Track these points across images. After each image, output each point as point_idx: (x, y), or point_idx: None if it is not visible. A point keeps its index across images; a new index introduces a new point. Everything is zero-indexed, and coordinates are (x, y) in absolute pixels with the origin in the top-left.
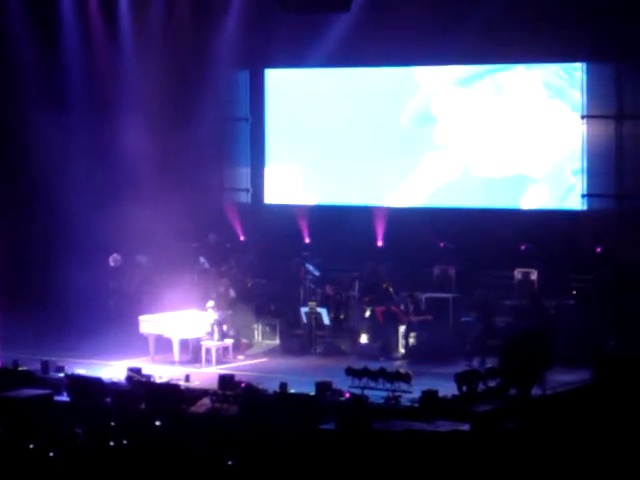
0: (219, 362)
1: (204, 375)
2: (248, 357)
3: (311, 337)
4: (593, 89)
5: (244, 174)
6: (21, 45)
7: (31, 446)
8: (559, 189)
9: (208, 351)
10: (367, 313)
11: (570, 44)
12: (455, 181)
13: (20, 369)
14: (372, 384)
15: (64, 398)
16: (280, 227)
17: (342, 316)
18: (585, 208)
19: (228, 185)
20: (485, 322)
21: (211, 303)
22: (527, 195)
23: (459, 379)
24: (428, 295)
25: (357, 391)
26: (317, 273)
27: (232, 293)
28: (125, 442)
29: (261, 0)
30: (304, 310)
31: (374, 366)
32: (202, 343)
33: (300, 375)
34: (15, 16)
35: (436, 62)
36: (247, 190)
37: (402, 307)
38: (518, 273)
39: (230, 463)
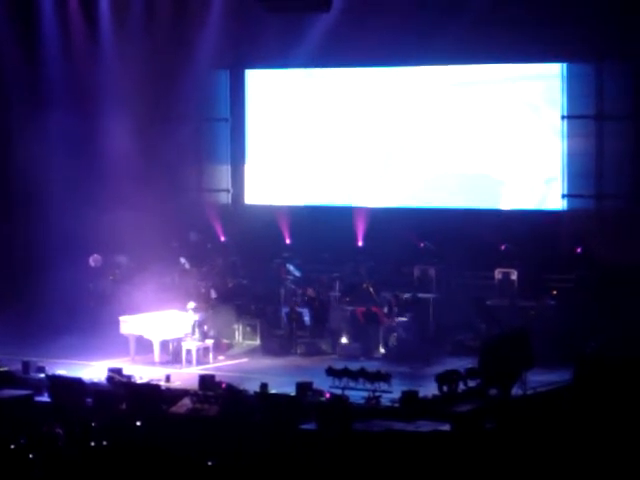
0: (200, 362)
1: (185, 375)
2: (229, 357)
3: (292, 337)
4: (573, 89)
5: (224, 174)
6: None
7: (12, 447)
8: (539, 189)
9: (189, 352)
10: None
11: (550, 44)
12: (435, 181)
13: (0, 369)
14: (352, 384)
15: (45, 398)
16: (261, 228)
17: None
18: (565, 208)
19: (208, 185)
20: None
21: (192, 304)
22: (507, 195)
23: (439, 379)
24: (408, 295)
25: (337, 391)
26: (298, 273)
27: (213, 294)
28: (106, 443)
29: (242, 0)
30: (285, 310)
31: (355, 366)
32: (183, 344)
33: (281, 375)
34: None
35: (417, 63)
36: (227, 190)
37: (385, 308)
38: (498, 273)
39: (210, 464)
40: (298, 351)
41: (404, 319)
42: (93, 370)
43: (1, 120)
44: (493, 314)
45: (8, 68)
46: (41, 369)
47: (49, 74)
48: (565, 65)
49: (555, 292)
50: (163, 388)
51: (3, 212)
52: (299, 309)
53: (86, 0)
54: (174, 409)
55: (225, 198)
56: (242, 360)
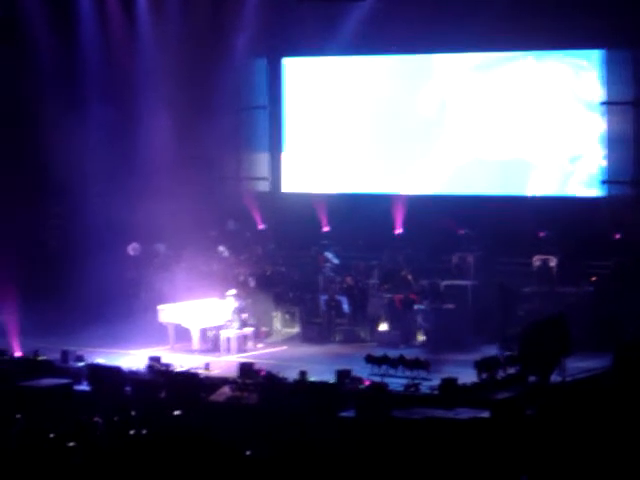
0: (239, 350)
1: (224, 363)
2: (268, 345)
3: (330, 325)
4: (612, 76)
5: (263, 163)
6: (39, 36)
7: (51, 435)
8: (578, 176)
9: (228, 339)
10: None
11: (589, 31)
12: (473, 168)
13: (40, 359)
14: (392, 372)
15: (84, 387)
16: (299, 215)
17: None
18: (604, 194)
19: (246, 174)
20: (504, 310)
21: (231, 292)
22: (545, 182)
23: (479, 366)
24: (447, 282)
25: (377, 379)
26: (336, 261)
27: (252, 282)
28: (144, 431)
29: None
30: (323, 298)
31: (393, 354)
32: (222, 332)
33: (320, 363)
34: (32, 6)
35: (453, 49)
36: (266, 179)
37: (423, 295)
38: (537, 260)
39: (249, 453)
40: (337, 338)
41: (442, 306)
42: (132, 359)
43: (39, 111)
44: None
45: (46, 60)
46: (80, 358)
47: (87, 65)
48: (604, 52)
49: (594, 278)
50: (202, 376)
51: (42, 202)
52: (338, 297)
53: None
54: (213, 397)
55: (263, 186)
56: (281, 348)
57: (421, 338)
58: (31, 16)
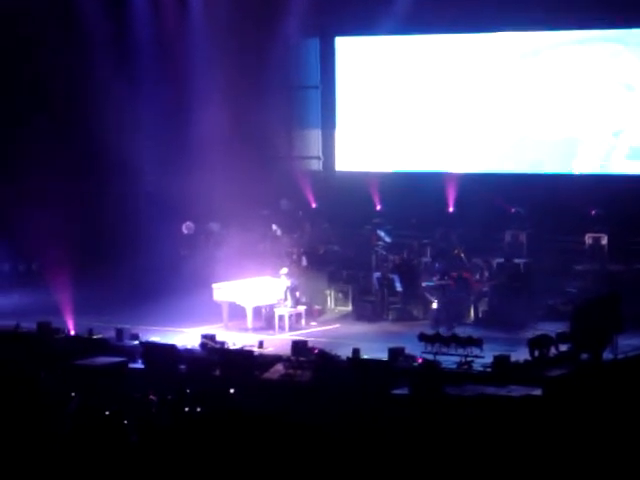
0: (292, 329)
1: (277, 342)
2: (321, 323)
3: (383, 303)
4: None
5: (315, 142)
6: (91, 15)
7: (106, 413)
8: (629, 153)
9: (281, 318)
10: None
11: (632, 9)
12: (523, 146)
13: (95, 337)
14: (444, 349)
15: (138, 365)
16: (351, 194)
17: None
18: None
19: (299, 153)
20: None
21: (284, 270)
22: (592, 158)
23: (531, 344)
24: (499, 260)
25: (430, 356)
26: (388, 240)
27: (305, 260)
28: (199, 409)
29: None
30: (376, 276)
31: (446, 332)
32: (275, 310)
33: (373, 341)
34: None
35: (502, 29)
36: (318, 158)
37: (476, 273)
38: (589, 238)
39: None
40: (390, 317)
41: (495, 283)
42: (186, 337)
43: (93, 92)
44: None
45: (99, 41)
46: (135, 336)
47: (139, 45)
48: None
49: None
50: (256, 354)
51: (97, 182)
52: (390, 275)
53: None
54: (267, 375)
55: (316, 165)
56: (334, 326)
57: (473, 316)
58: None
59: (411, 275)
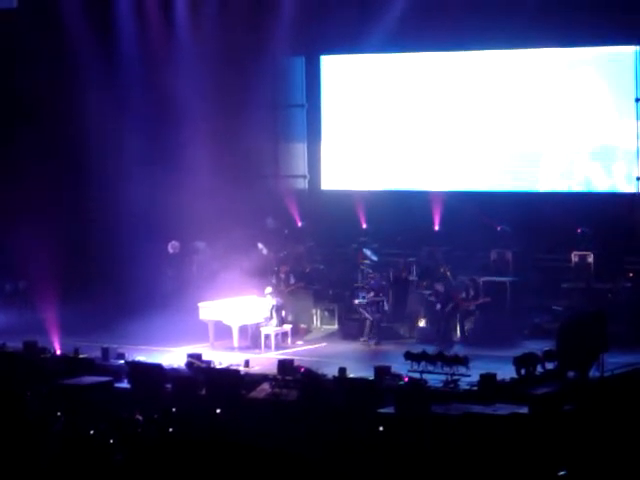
0: (278, 347)
1: (263, 360)
2: (307, 342)
3: (370, 325)
4: None
5: (301, 160)
6: (75, 29)
7: (92, 432)
8: (614, 172)
9: (267, 337)
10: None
11: (624, 27)
12: (509, 164)
13: (81, 356)
14: (430, 368)
15: (124, 385)
16: (337, 213)
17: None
18: None
19: (285, 171)
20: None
21: (269, 289)
22: (582, 178)
23: (517, 362)
24: (485, 279)
25: (416, 375)
26: (375, 258)
27: (291, 279)
28: (185, 428)
29: None
30: (362, 295)
31: (432, 350)
32: (261, 329)
33: (359, 360)
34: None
35: (489, 47)
36: (304, 176)
37: (462, 292)
38: (575, 256)
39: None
40: (373, 343)
41: (482, 301)
42: (172, 356)
43: (77, 109)
44: None
45: (84, 57)
46: (121, 355)
47: (125, 63)
48: (638, 48)
49: (631, 274)
50: (242, 373)
51: (82, 200)
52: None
53: None
54: (253, 394)
55: (302, 184)
56: (320, 345)
57: (460, 334)
58: (69, 12)
59: (404, 292)
